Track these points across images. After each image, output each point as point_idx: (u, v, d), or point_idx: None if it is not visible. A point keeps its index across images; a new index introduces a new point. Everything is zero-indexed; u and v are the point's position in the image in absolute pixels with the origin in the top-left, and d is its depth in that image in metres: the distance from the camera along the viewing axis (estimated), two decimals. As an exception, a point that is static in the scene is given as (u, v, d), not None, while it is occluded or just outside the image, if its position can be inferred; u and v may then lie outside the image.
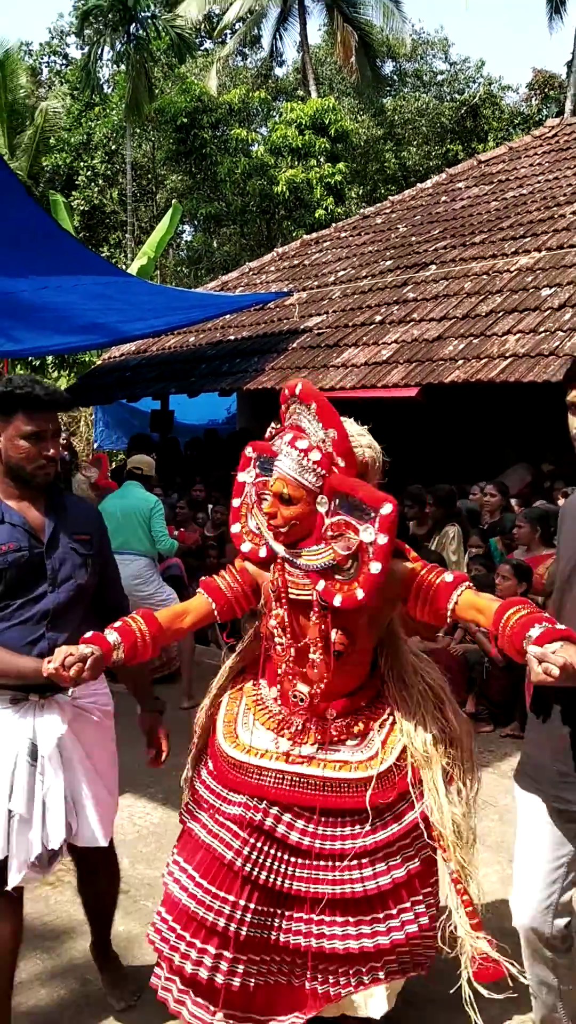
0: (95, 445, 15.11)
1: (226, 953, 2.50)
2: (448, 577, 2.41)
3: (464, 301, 8.70)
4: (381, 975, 2.49)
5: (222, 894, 2.50)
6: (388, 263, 10.44)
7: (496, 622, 2.21)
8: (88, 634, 2.46)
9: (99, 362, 12.95)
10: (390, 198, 13.24)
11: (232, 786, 2.56)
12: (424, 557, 2.59)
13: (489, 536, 6.91)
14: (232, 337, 10.76)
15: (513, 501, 7.79)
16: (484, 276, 8.97)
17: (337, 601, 2.36)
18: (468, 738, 2.60)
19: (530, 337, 7.69)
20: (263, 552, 2.58)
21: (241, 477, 2.66)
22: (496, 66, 55.07)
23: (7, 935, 2.70)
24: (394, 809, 2.49)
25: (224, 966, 2.50)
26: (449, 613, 2.37)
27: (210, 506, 8.78)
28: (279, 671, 2.59)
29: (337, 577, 2.38)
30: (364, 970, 2.48)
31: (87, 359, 15.31)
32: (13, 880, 2.62)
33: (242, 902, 2.48)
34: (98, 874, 3.01)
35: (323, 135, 20.43)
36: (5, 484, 2.69)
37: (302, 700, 2.53)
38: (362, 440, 2.50)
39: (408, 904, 2.47)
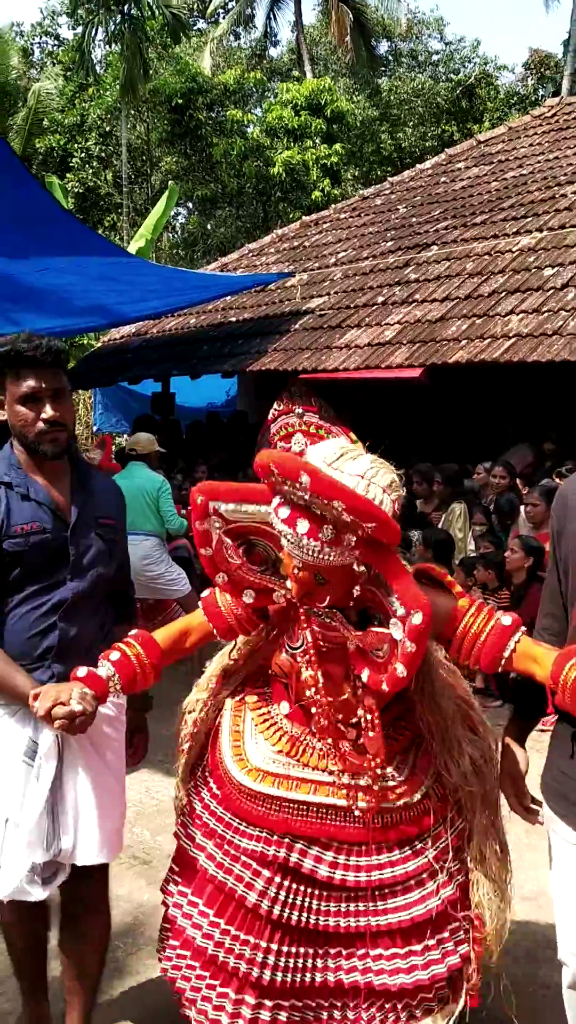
0: (94, 428, 15.11)
1: (266, 1002, 2.27)
2: (505, 620, 2.09)
3: (466, 282, 8.72)
4: (432, 1006, 2.29)
5: (244, 937, 2.26)
6: (389, 244, 10.44)
7: (556, 676, 1.95)
8: (82, 671, 2.22)
9: (98, 344, 12.94)
10: (389, 179, 13.22)
11: (250, 819, 2.27)
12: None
13: (491, 515, 6.98)
14: (233, 319, 10.76)
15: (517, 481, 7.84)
16: (486, 257, 8.98)
17: (364, 678, 2.10)
18: (495, 748, 2.39)
19: (533, 317, 7.72)
20: (279, 598, 2.22)
21: (201, 526, 2.19)
22: (492, 46, 54.72)
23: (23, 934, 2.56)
24: (428, 834, 2.27)
25: (266, 1016, 2.27)
26: (504, 662, 2.09)
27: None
28: (314, 720, 2.25)
29: (367, 655, 2.10)
30: (414, 1003, 2.27)
31: (86, 342, 15.29)
32: (3, 891, 2.36)
33: (274, 946, 2.24)
34: (87, 914, 2.59)
35: (319, 116, 20.36)
36: (26, 457, 2.42)
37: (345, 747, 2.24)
38: (380, 483, 2.01)
39: (447, 934, 2.27)
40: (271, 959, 2.24)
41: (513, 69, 28.50)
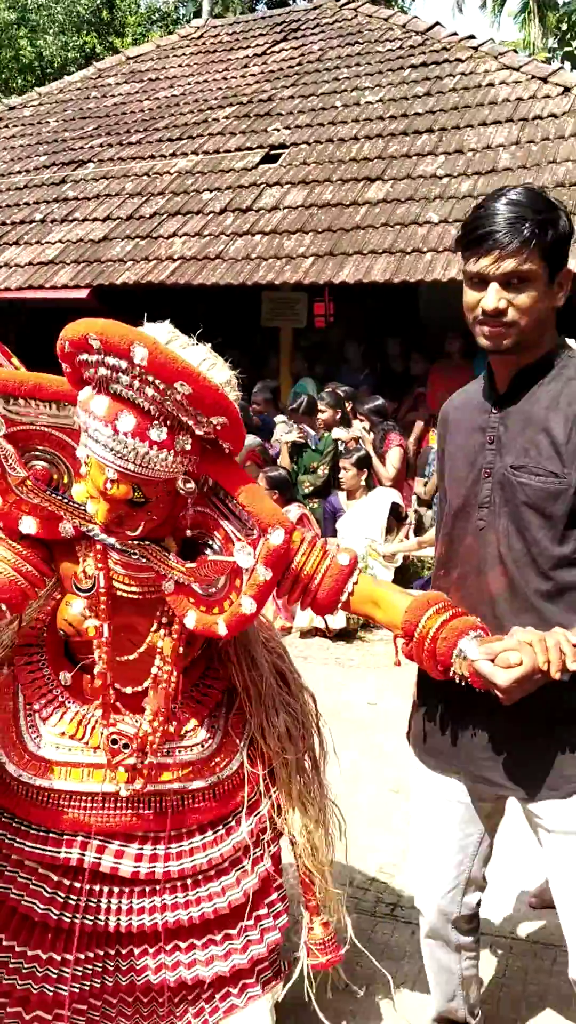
0: None
1: (62, 1012, 1.97)
2: (342, 559, 1.80)
3: (127, 201, 8.68)
4: (253, 992, 2.05)
5: (32, 953, 1.94)
6: (43, 159, 10.02)
7: (411, 626, 1.71)
8: None
9: None
10: (37, 90, 12.57)
11: (34, 819, 1.92)
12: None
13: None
14: None
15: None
16: (145, 177, 8.97)
17: (191, 622, 1.76)
18: (315, 715, 2.17)
19: (196, 240, 7.90)
20: (68, 529, 1.79)
21: None
22: (126, -44, 52.92)
23: None
24: (241, 809, 1.99)
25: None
26: (340, 605, 1.82)
27: None
28: (92, 684, 1.91)
29: (196, 592, 1.77)
30: (235, 990, 2.04)
31: None
32: None
33: (69, 957, 1.93)
34: None
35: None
36: None
37: (126, 746, 1.91)
38: (218, 378, 1.69)
39: (264, 910, 2.04)
40: (67, 972, 1.94)
41: (153, -16, 27.96)
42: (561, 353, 1.71)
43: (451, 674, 1.66)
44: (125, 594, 1.82)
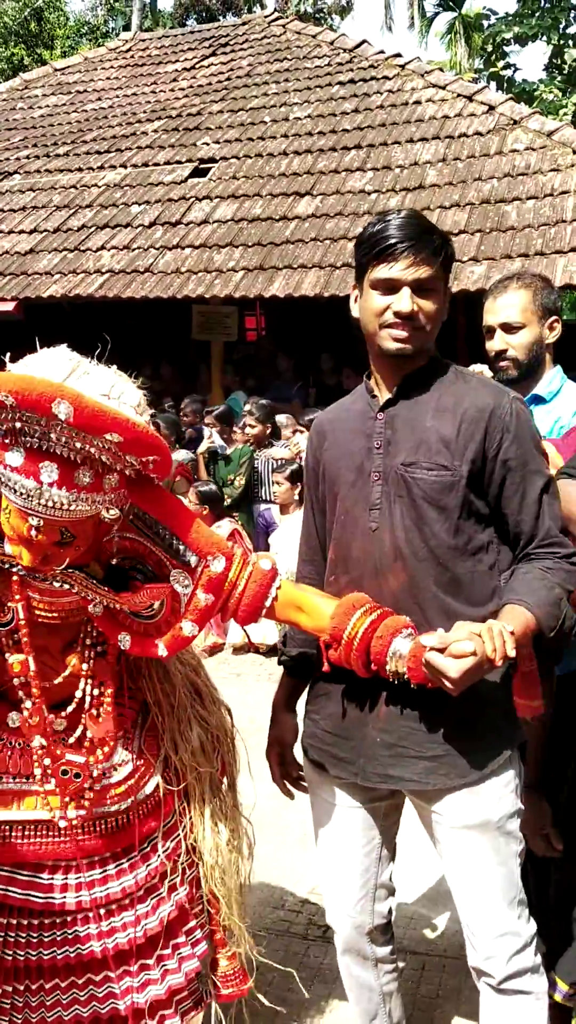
0: None
1: None
2: (264, 565, 1.76)
3: (54, 214, 8.57)
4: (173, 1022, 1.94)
5: None
6: (-33, 170, 9.85)
7: (339, 631, 1.71)
8: None
9: None
10: (-39, 99, 12.37)
11: None
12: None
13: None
14: None
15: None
16: (72, 190, 8.88)
17: (127, 644, 1.72)
18: (230, 730, 2.08)
19: (124, 253, 7.83)
20: None
21: None
22: (55, -32, 52.64)
23: None
24: (150, 840, 1.89)
25: None
26: (264, 612, 1.78)
27: None
28: (28, 720, 1.78)
29: (130, 617, 1.71)
30: (152, 1022, 1.92)
31: None
32: None
33: None
34: None
35: None
36: None
37: (77, 775, 1.80)
38: (129, 402, 1.60)
39: (182, 938, 1.93)
40: None
41: (82, -3, 27.85)
42: (439, 362, 1.83)
43: (386, 672, 1.68)
44: (45, 620, 1.73)
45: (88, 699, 1.78)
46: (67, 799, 1.79)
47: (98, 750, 1.80)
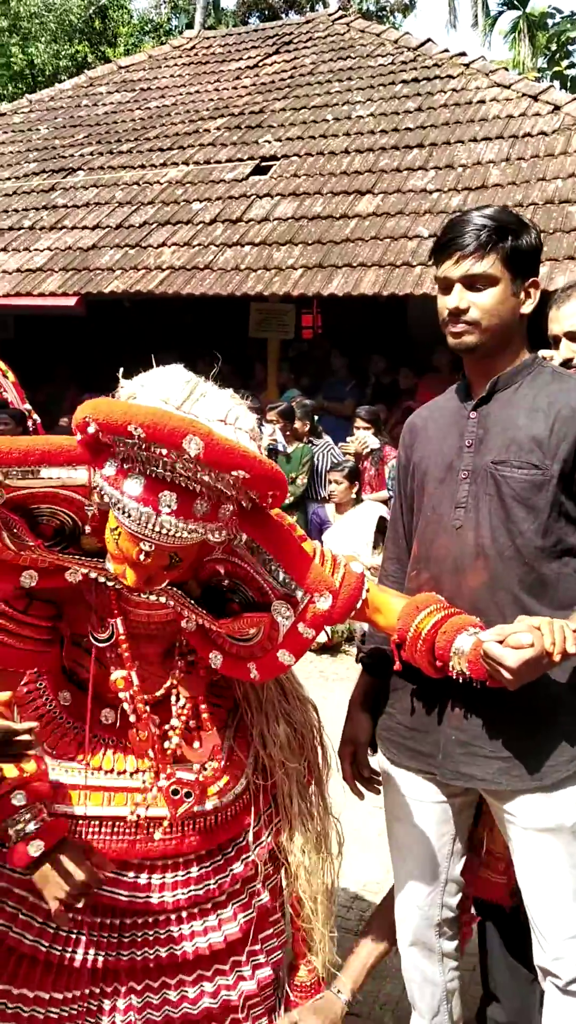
0: None
1: None
2: (356, 568, 1.76)
3: (117, 210, 8.67)
4: None
5: (18, 992, 1.76)
6: (32, 166, 10.01)
7: (404, 631, 1.73)
8: None
9: None
10: (28, 96, 12.57)
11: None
12: None
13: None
14: None
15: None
16: (135, 186, 8.97)
17: (218, 663, 1.71)
18: (317, 727, 2.05)
19: (185, 250, 7.90)
20: (75, 576, 1.68)
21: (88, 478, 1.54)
22: (119, -33, 53.14)
23: None
24: (236, 843, 1.87)
25: None
26: (354, 613, 1.78)
27: None
28: (137, 737, 1.78)
29: (227, 639, 1.69)
30: None
31: None
32: None
33: (59, 996, 1.77)
34: None
35: None
36: None
37: (188, 795, 1.78)
38: (245, 427, 1.54)
39: (258, 945, 1.90)
40: (54, 1012, 1.77)
41: (146, -5, 28.08)
42: (534, 361, 1.83)
43: (450, 670, 1.69)
44: (142, 631, 1.75)
45: (175, 708, 1.78)
46: (178, 819, 1.76)
47: (207, 765, 1.80)
